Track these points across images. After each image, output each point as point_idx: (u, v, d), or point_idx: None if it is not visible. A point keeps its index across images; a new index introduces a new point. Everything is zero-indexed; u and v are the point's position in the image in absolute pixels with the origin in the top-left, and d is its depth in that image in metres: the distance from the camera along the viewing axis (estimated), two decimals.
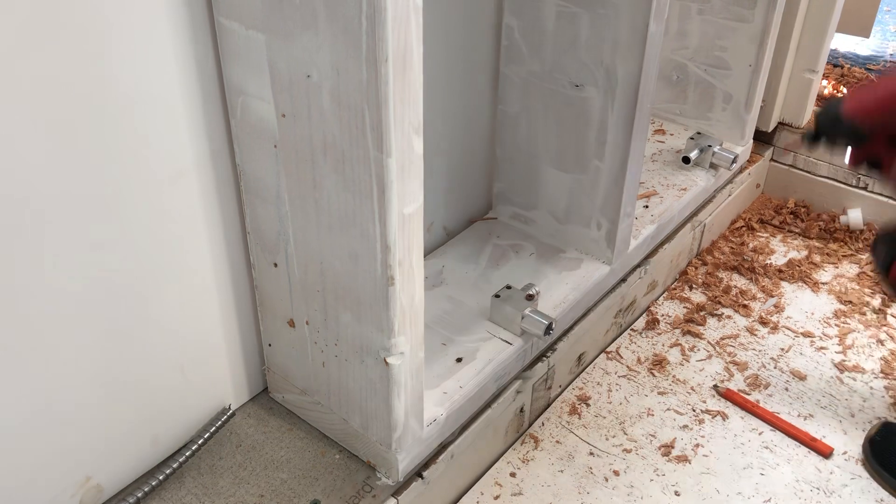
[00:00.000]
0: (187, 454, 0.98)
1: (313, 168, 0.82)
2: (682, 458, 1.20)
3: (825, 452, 1.21)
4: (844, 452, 1.22)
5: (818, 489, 1.16)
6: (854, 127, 0.97)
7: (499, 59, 1.26)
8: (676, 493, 1.15)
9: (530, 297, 1.15)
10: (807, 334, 1.44)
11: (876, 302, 1.51)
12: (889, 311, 1.48)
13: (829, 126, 0.99)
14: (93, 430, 0.91)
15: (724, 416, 1.27)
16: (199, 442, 1.00)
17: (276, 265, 0.95)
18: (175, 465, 0.97)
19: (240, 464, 1.01)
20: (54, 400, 0.85)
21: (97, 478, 0.93)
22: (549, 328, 1.11)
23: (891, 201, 1.65)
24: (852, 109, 0.97)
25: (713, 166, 1.56)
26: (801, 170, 1.75)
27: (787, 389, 1.33)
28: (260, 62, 0.80)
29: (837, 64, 1.96)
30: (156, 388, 0.96)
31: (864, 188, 1.67)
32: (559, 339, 1.25)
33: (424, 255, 1.29)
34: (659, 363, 1.37)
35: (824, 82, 1.87)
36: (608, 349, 1.40)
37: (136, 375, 0.93)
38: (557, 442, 1.22)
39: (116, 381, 0.91)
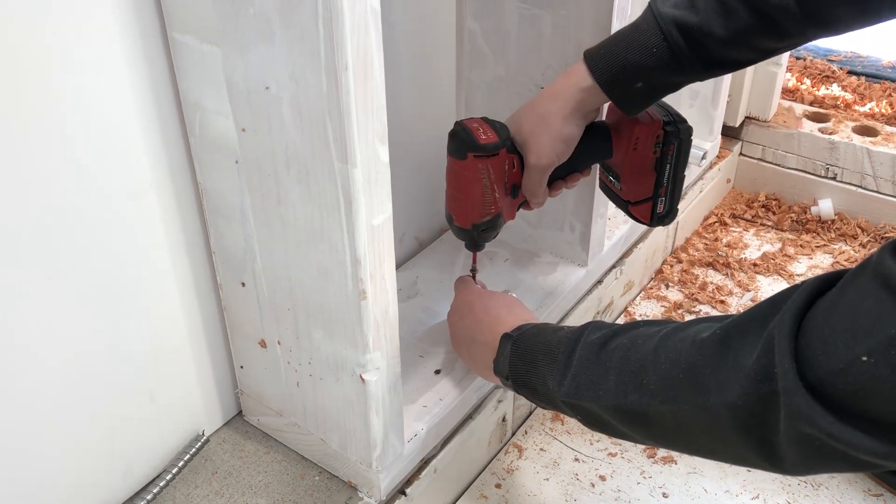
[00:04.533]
0: (161, 485, 0.95)
1: (277, 183, 0.79)
2: (668, 459, 1.19)
3: None
4: None
5: (806, 482, 1.15)
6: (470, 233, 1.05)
7: (463, 64, 1.24)
8: (664, 495, 1.13)
9: None
10: None
11: None
12: None
13: (465, 237, 1.06)
14: (60, 464, 0.87)
15: None
16: (173, 471, 0.97)
17: (243, 285, 0.92)
18: (149, 497, 0.94)
19: (216, 491, 0.97)
20: (18, 436, 0.82)
21: None
22: None
23: (860, 189, 1.65)
24: (462, 219, 1.03)
25: None
26: (770, 163, 1.75)
27: None
28: (216, 76, 0.77)
29: (800, 56, 1.98)
30: (125, 419, 0.93)
31: (833, 178, 1.68)
32: None
33: (397, 267, 1.27)
34: None
35: (788, 74, 1.87)
36: None
37: (103, 406, 0.89)
38: (542, 450, 1.20)
39: (83, 413, 0.87)
